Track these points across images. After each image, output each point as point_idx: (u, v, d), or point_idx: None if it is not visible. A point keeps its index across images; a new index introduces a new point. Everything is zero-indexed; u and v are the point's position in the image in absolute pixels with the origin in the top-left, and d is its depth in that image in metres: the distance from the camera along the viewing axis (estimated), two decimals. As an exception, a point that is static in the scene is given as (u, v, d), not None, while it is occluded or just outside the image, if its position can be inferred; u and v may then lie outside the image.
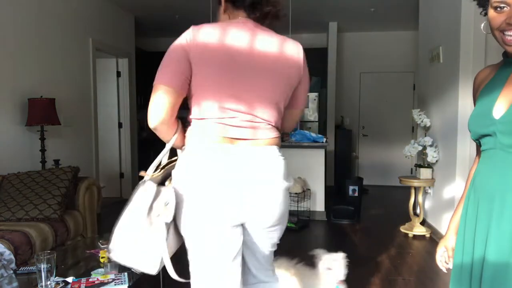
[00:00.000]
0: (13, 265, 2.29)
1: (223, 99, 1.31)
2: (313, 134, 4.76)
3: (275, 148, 1.39)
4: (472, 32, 3.46)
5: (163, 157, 1.42)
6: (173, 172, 1.35)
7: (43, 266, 1.71)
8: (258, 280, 1.56)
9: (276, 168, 1.37)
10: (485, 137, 1.09)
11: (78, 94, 4.74)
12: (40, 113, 3.69)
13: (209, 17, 5.59)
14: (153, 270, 1.30)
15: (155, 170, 1.38)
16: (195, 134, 1.35)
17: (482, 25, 1.14)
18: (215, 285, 1.35)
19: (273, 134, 1.41)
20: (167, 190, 1.29)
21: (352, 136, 7.08)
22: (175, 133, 1.37)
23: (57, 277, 1.83)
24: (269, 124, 1.39)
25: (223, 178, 1.29)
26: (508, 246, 1.00)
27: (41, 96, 3.81)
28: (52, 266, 1.74)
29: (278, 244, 1.54)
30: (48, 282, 1.73)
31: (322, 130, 6.78)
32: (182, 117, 1.39)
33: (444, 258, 1.31)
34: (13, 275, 2.04)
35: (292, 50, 1.41)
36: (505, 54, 1.11)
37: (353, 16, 6.17)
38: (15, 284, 1.93)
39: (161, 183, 1.36)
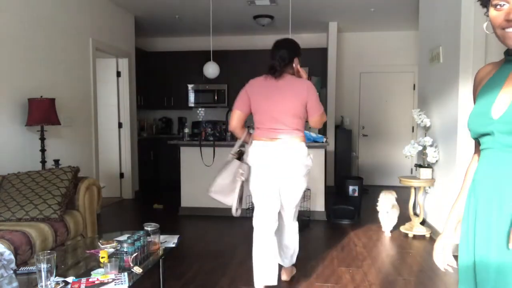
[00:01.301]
0: (13, 265, 2.29)
1: (266, 116, 2.57)
2: (313, 134, 4.75)
3: (293, 144, 2.57)
4: (472, 32, 3.45)
5: (237, 146, 2.71)
6: (245, 155, 2.66)
7: (43, 266, 1.71)
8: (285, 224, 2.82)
9: (291, 154, 2.57)
10: (484, 136, 1.09)
11: (78, 94, 4.74)
12: (40, 113, 3.69)
13: (209, 18, 5.61)
14: (231, 203, 2.56)
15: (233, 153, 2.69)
16: (255, 136, 2.64)
17: (485, 25, 1.12)
18: (263, 209, 2.64)
19: (294, 135, 2.57)
20: (243, 164, 2.58)
21: (352, 136, 7.08)
22: (243, 134, 2.69)
23: (57, 277, 1.82)
24: (292, 129, 2.56)
25: (265, 158, 2.58)
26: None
27: (41, 96, 3.81)
28: (52, 266, 1.74)
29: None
30: (48, 282, 1.73)
31: (322, 130, 6.78)
32: (249, 126, 2.73)
33: (442, 256, 1.26)
34: (13, 275, 2.04)
35: (299, 85, 2.58)
36: (507, 52, 1.10)
37: (353, 16, 6.17)
38: (15, 284, 1.92)
39: (238, 158, 2.67)
